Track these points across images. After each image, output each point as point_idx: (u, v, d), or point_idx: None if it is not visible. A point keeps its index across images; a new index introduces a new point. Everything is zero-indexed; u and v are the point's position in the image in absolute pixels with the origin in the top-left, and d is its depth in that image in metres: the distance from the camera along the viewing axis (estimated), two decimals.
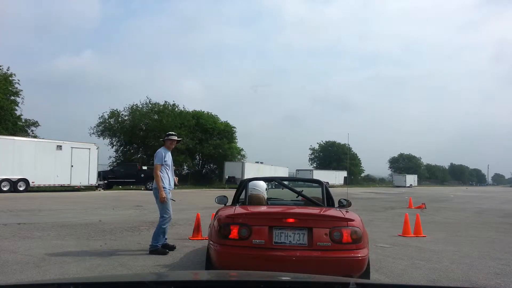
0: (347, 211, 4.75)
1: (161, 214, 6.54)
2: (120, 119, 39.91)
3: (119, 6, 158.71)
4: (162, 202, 6.47)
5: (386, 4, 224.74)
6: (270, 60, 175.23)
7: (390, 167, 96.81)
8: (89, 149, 26.67)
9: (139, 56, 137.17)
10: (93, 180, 26.60)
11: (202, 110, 45.31)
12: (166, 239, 6.69)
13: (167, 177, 6.68)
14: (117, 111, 39.90)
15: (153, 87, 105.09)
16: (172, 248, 6.69)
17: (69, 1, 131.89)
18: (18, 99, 31.60)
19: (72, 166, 25.25)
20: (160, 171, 6.56)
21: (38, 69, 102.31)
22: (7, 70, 30.96)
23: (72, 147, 25.51)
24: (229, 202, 5.54)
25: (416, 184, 72.59)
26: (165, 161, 6.62)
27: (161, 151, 6.71)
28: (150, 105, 40.66)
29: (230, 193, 6.07)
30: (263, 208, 4.97)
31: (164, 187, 6.51)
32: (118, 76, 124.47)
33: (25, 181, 22.95)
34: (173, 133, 7.12)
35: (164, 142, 6.88)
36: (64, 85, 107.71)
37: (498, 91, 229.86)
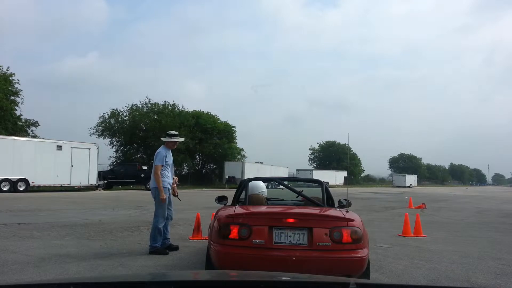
0: (347, 211, 4.75)
1: (155, 214, 6.53)
2: (120, 119, 39.94)
3: (125, 10, 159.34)
4: (162, 203, 6.46)
5: (386, 8, 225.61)
6: (270, 61, 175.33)
7: (390, 167, 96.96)
8: (89, 149, 26.68)
9: (141, 58, 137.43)
10: (93, 180, 26.61)
11: (202, 110, 45.40)
12: (168, 239, 6.69)
13: (168, 176, 6.65)
14: (117, 111, 39.95)
15: (155, 88, 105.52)
16: (176, 248, 6.66)
17: (75, 4, 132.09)
18: (18, 99, 31.67)
19: (72, 166, 25.26)
20: (161, 171, 6.54)
21: (40, 70, 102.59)
22: (7, 70, 31.04)
23: (72, 147, 25.51)
24: (229, 202, 5.54)
25: (416, 184, 72.55)
26: (166, 162, 6.58)
27: (162, 151, 6.62)
28: (149, 105, 40.72)
29: (230, 193, 6.07)
30: (263, 208, 4.97)
31: (164, 187, 6.50)
32: (119, 77, 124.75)
33: (25, 181, 22.94)
34: (175, 133, 6.98)
35: (166, 142, 6.80)
36: (65, 86, 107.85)
37: (497, 92, 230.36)
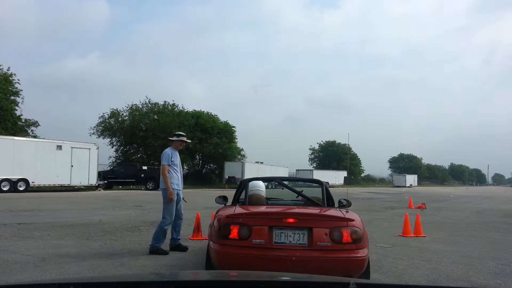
0: (347, 211, 4.74)
1: (163, 215, 6.53)
2: (120, 119, 39.92)
3: (126, 10, 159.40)
4: (169, 202, 6.46)
5: (386, 9, 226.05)
6: (270, 61, 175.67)
7: (390, 167, 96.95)
8: (89, 149, 26.66)
9: (141, 58, 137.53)
10: (93, 180, 26.59)
11: (202, 110, 45.39)
12: (179, 239, 6.71)
13: (176, 177, 6.65)
14: (117, 111, 39.94)
15: (155, 88, 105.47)
16: (185, 249, 6.65)
17: (76, 4, 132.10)
18: (18, 99, 31.66)
19: (72, 166, 25.24)
20: (168, 172, 6.54)
21: (40, 70, 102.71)
22: (7, 70, 31.02)
23: (72, 147, 25.49)
24: (229, 202, 5.54)
25: (416, 184, 72.56)
26: (172, 161, 6.59)
27: (168, 151, 6.66)
28: (149, 105, 40.72)
29: (230, 193, 6.07)
30: (263, 208, 4.97)
31: (172, 188, 6.51)
32: (119, 77, 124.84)
33: (25, 181, 22.93)
34: (183, 133, 7.04)
35: (172, 142, 6.82)
36: (65, 86, 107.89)
37: (497, 92, 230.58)
